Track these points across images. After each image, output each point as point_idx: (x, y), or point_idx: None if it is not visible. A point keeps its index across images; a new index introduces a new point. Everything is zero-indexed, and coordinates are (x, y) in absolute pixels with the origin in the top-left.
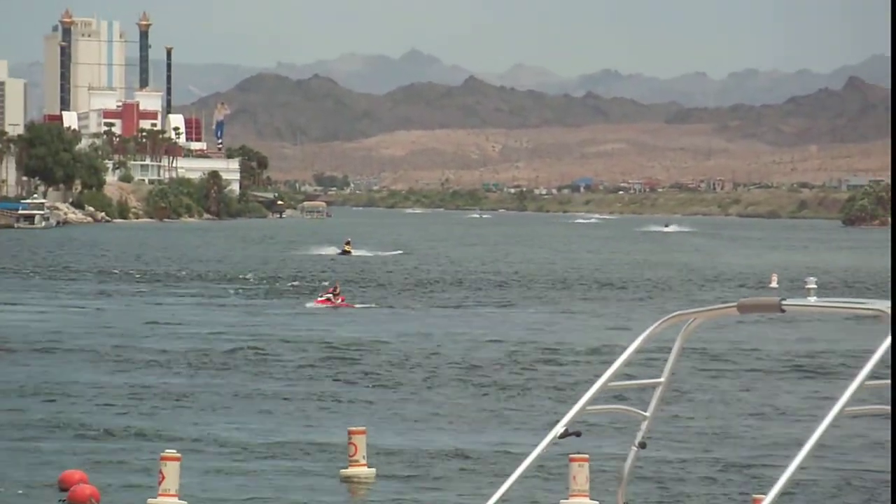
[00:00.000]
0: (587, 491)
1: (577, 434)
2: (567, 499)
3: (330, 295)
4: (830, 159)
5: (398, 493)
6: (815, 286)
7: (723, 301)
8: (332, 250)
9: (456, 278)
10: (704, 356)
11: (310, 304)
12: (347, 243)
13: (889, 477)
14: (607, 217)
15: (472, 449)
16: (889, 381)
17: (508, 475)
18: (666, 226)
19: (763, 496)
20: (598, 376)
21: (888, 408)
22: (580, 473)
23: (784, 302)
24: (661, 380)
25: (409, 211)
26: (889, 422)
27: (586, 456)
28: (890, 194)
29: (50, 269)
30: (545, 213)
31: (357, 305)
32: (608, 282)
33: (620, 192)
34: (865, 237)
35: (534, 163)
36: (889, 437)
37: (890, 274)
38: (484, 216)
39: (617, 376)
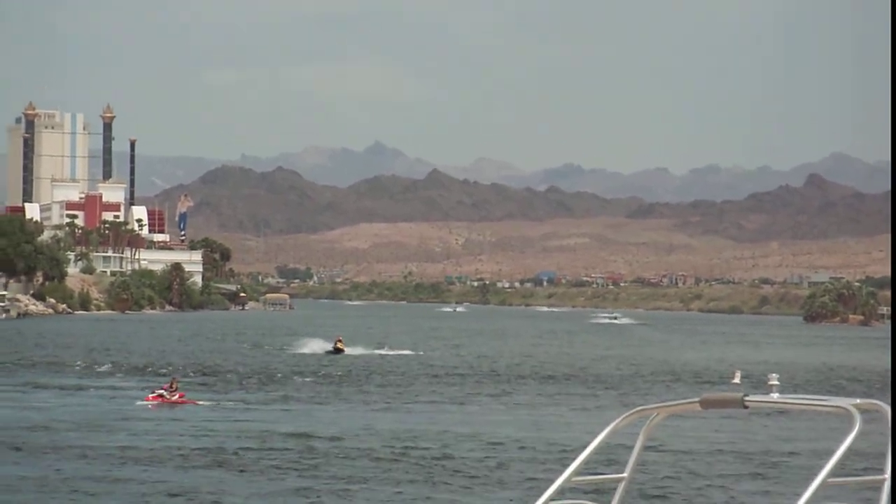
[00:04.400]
0: None
1: None
2: None
3: (164, 391)
4: (791, 256)
5: None
6: (777, 383)
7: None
8: (320, 346)
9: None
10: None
11: (140, 403)
12: (339, 341)
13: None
14: (568, 310)
15: None
16: (853, 479)
17: None
18: (615, 318)
19: None
20: (562, 471)
21: None
22: None
23: (747, 398)
24: (625, 475)
25: (380, 303)
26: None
27: None
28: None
29: None
30: (507, 306)
31: (200, 402)
32: (568, 375)
33: (583, 287)
34: (826, 334)
35: (497, 256)
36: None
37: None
38: (458, 309)
39: (580, 471)
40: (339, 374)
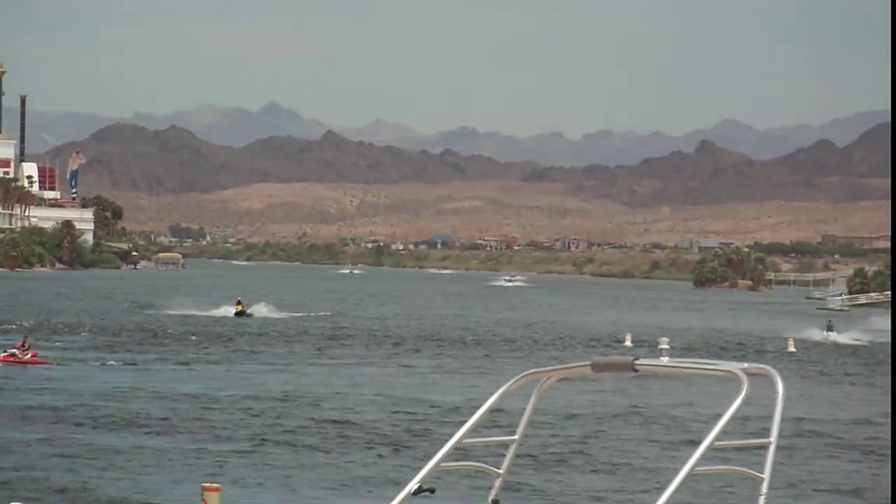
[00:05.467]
0: None
1: (431, 491)
2: None
3: (16, 350)
4: (682, 221)
5: None
6: (667, 346)
7: (577, 360)
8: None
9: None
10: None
11: None
12: (239, 303)
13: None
14: (462, 272)
15: None
16: (739, 443)
17: None
18: (508, 280)
19: None
20: (453, 434)
21: (738, 468)
22: None
23: (637, 362)
24: (516, 437)
25: (273, 263)
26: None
27: None
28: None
29: None
30: (402, 268)
31: (51, 361)
32: (462, 338)
33: (477, 249)
34: (715, 299)
35: (391, 218)
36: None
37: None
38: (355, 271)
39: (471, 433)
40: (227, 334)
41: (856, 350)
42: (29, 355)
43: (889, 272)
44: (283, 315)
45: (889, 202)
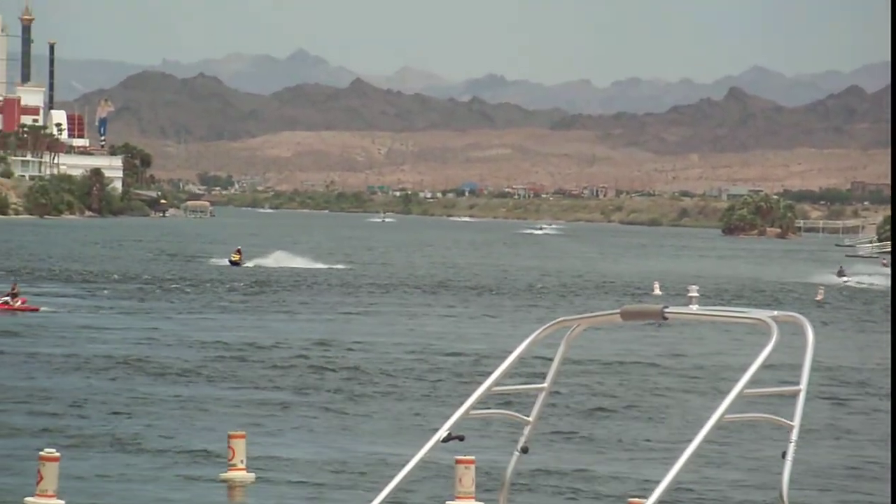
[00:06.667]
0: (473, 493)
1: (461, 438)
2: (453, 500)
3: (7, 298)
4: (711, 168)
5: (278, 497)
6: (697, 294)
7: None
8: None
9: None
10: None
11: None
12: (238, 252)
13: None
14: (490, 221)
15: (354, 455)
16: (768, 391)
17: (393, 478)
18: (541, 228)
19: (641, 500)
20: (482, 382)
21: (767, 416)
22: (466, 476)
23: (667, 310)
24: (545, 385)
25: (301, 212)
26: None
27: (472, 458)
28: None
29: None
30: (429, 216)
31: (42, 308)
32: (490, 287)
33: (505, 198)
34: (744, 246)
35: (419, 166)
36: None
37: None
38: (387, 219)
39: (500, 382)
40: (267, 282)
41: (873, 297)
42: (19, 302)
43: None
44: (320, 265)
45: None
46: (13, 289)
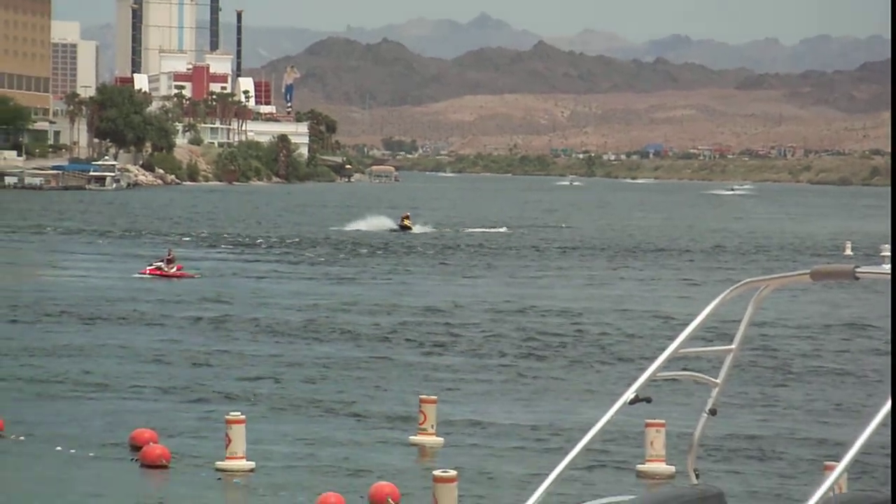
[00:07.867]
0: (664, 456)
1: (648, 400)
2: (644, 464)
3: (161, 264)
4: None
5: (466, 462)
6: (889, 254)
7: (795, 269)
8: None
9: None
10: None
11: (136, 275)
12: (406, 217)
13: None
14: (675, 182)
15: (542, 419)
16: None
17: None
18: (732, 189)
19: (835, 463)
20: (669, 344)
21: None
22: (657, 439)
23: (858, 269)
24: (733, 346)
25: (485, 175)
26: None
27: (663, 422)
28: None
29: (130, 231)
30: (613, 178)
31: (196, 275)
32: (676, 248)
33: (690, 159)
34: None
35: (602, 128)
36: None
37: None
38: (575, 182)
39: (687, 343)
40: (485, 245)
41: None
42: (174, 269)
43: None
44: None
45: None
46: (169, 254)
